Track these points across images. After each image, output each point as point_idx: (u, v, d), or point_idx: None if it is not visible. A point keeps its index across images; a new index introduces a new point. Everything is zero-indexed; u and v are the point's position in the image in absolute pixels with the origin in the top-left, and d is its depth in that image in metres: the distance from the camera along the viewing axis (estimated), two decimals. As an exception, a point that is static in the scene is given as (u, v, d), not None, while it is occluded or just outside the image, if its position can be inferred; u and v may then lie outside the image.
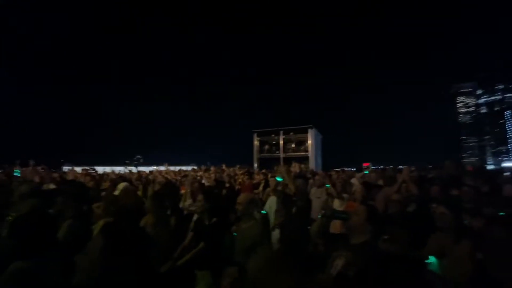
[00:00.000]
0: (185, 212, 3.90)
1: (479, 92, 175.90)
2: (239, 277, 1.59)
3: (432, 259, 1.98)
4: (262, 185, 5.56)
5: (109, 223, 2.08)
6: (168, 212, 3.22)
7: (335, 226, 2.95)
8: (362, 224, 1.71)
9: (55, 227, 1.68)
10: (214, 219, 3.02)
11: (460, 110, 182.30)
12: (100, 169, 11.18)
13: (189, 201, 3.98)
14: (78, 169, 8.52)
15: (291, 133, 12.73)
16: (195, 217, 3.27)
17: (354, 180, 5.28)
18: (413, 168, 6.52)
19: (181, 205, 4.07)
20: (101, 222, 2.25)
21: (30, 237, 1.44)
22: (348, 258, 1.57)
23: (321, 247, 2.39)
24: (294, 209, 3.42)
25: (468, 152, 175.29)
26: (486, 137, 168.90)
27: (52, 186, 4.66)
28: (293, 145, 12.94)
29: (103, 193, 3.98)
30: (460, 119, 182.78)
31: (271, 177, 4.81)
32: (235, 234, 2.54)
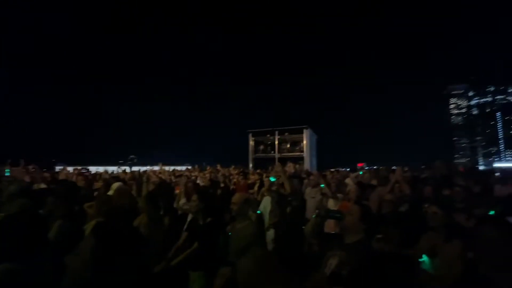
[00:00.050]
0: (180, 212, 3.87)
1: (471, 94, 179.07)
2: (231, 277, 1.58)
3: (424, 258, 2.00)
4: (257, 185, 5.56)
5: (101, 223, 2.05)
6: (162, 212, 3.19)
7: (329, 226, 2.96)
8: (356, 224, 1.72)
9: (45, 227, 1.65)
10: (209, 219, 3.01)
11: (452, 112, 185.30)
12: (93, 169, 11.04)
13: (183, 201, 3.96)
14: (70, 169, 8.39)
15: (286, 134, 12.75)
16: (189, 217, 3.25)
17: (348, 180, 5.31)
18: (406, 169, 6.60)
19: (175, 205, 4.05)
20: (92, 222, 2.22)
21: (19, 238, 1.41)
22: (342, 258, 1.57)
23: (315, 246, 2.39)
24: (288, 209, 3.43)
25: (460, 152, 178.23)
26: (478, 138, 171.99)
27: (42, 186, 4.58)
28: (288, 145, 12.98)
29: (95, 193, 3.92)
30: (452, 120, 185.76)
31: (266, 177, 4.82)
32: (230, 234, 2.54)
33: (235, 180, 6.61)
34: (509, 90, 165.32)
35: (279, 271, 1.12)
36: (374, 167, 9.52)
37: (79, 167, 9.15)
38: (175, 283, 2.61)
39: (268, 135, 13.05)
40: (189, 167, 10.71)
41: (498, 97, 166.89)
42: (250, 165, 12.98)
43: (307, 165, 11.61)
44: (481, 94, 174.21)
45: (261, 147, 13.50)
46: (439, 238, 2.08)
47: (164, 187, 4.50)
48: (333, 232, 2.68)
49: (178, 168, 11.55)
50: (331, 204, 3.90)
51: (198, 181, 5.64)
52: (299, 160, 11.84)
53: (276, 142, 12.83)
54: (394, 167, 5.82)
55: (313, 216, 1.95)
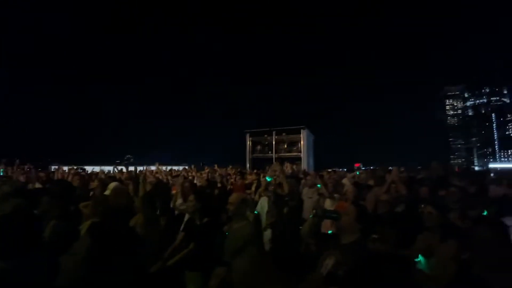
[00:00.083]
0: (176, 212, 3.86)
1: (466, 95, 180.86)
2: (227, 277, 1.58)
3: (420, 258, 2.01)
4: (254, 185, 5.56)
5: (96, 223, 2.04)
6: (158, 212, 3.18)
7: (326, 226, 2.97)
8: (352, 224, 1.72)
9: (40, 227, 1.63)
10: (206, 219, 3.00)
11: (448, 113, 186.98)
12: (89, 169, 10.95)
13: (179, 201, 3.94)
14: (66, 168, 8.31)
15: (284, 134, 12.78)
16: (186, 217, 3.23)
17: (345, 181, 5.33)
18: (402, 169, 6.63)
19: (172, 205, 4.03)
20: (88, 222, 2.20)
21: (13, 238, 1.40)
22: (338, 258, 1.58)
23: (312, 247, 2.40)
24: (285, 209, 3.43)
25: (455, 153, 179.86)
26: (473, 139, 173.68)
27: (37, 185, 4.54)
28: (286, 146, 13.00)
29: (91, 193, 3.89)
30: (448, 121, 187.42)
31: (264, 177, 4.82)
32: (227, 234, 2.53)
33: (232, 180, 6.60)
34: (504, 92, 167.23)
35: (275, 271, 1.12)
36: (371, 168, 9.57)
37: (75, 167, 9.07)
38: (172, 283, 2.60)
39: (266, 135, 13.06)
40: (186, 167, 10.67)
41: (493, 98, 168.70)
42: (248, 165, 12.98)
43: (304, 165, 11.64)
44: (477, 95, 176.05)
45: (259, 147, 13.50)
46: (434, 238, 2.10)
47: (161, 187, 4.47)
48: (329, 232, 2.69)
49: (175, 168, 11.50)
50: (328, 204, 3.91)
51: (195, 181, 5.62)
52: (297, 160, 11.85)
53: (274, 142, 12.85)
54: (390, 168, 5.84)
55: (310, 216, 1.95)
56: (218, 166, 9.04)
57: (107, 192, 2.91)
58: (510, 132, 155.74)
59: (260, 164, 11.61)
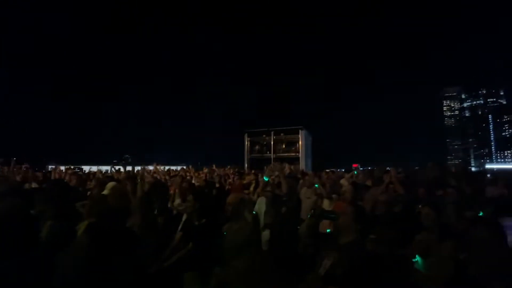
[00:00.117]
0: (174, 212, 3.85)
1: (463, 96, 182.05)
2: (224, 278, 1.57)
3: (417, 258, 2.02)
4: (253, 185, 5.56)
5: (93, 223, 2.02)
6: (156, 212, 3.17)
7: (324, 226, 2.97)
8: (350, 224, 1.73)
9: (36, 227, 1.62)
10: (204, 220, 2.99)
11: (445, 114, 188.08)
12: (87, 168, 10.90)
13: (178, 201, 3.93)
14: (63, 168, 8.26)
15: (282, 134, 12.80)
16: (184, 217, 3.22)
17: (343, 181, 5.34)
18: (400, 169, 6.66)
19: (169, 205, 4.02)
20: (85, 222, 2.19)
21: (9, 238, 1.39)
22: (336, 258, 1.58)
23: (310, 247, 2.40)
24: (283, 210, 3.43)
25: (452, 154, 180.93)
26: (470, 140, 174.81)
27: (34, 185, 4.51)
28: (284, 146, 13.02)
29: (88, 193, 3.87)
30: (445, 122, 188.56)
31: (262, 177, 4.82)
32: (225, 233, 2.53)
33: (230, 180, 6.59)
34: (501, 93, 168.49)
35: (273, 271, 1.12)
36: (369, 168, 9.59)
37: (72, 167, 9.02)
38: (170, 283, 2.59)
39: (264, 136, 13.07)
40: (184, 167, 10.65)
41: (490, 100, 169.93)
42: (246, 165, 12.98)
43: (302, 165, 11.65)
44: (474, 96, 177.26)
45: (257, 147, 13.50)
46: (432, 238, 2.11)
47: (159, 187, 4.46)
48: (327, 232, 2.70)
49: (173, 168, 11.47)
50: (326, 204, 3.91)
51: (193, 181, 5.61)
52: (295, 160, 11.87)
53: (272, 143, 12.86)
54: (388, 168, 5.87)
55: (308, 216, 1.95)
56: (216, 166, 9.04)
57: (105, 192, 2.89)
58: (506, 133, 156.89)
59: (258, 164, 11.62)
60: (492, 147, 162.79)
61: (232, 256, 1.99)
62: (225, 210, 2.54)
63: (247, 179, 6.57)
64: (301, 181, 5.27)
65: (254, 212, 3.76)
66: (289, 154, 12.51)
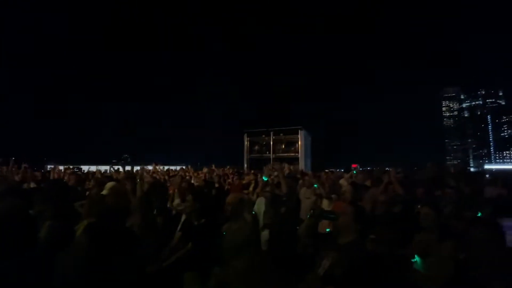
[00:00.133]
0: (173, 212, 3.84)
1: (462, 97, 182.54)
2: (224, 278, 1.57)
3: (416, 258, 2.02)
4: (252, 185, 5.55)
5: (92, 223, 2.02)
6: (155, 212, 3.16)
7: (324, 226, 2.97)
8: (349, 224, 1.72)
9: (35, 227, 1.61)
10: (203, 220, 2.99)
11: (444, 114, 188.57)
12: (86, 168, 10.86)
13: (177, 201, 3.93)
14: (62, 168, 8.24)
15: (281, 134, 12.80)
16: (183, 217, 3.22)
17: (342, 181, 5.34)
18: (399, 170, 6.68)
19: (168, 205, 4.01)
20: (84, 222, 2.18)
21: (8, 238, 1.38)
22: (335, 258, 1.58)
23: (309, 247, 2.40)
24: (283, 210, 3.43)
25: (451, 154, 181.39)
26: (469, 140, 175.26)
27: (33, 185, 4.49)
28: (283, 146, 13.02)
29: (87, 193, 3.86)
30: (444, 123, 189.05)
31: (261, 177, 4.81)
32: (224, 233, 2.52)
33: (229, 180, 6.59)
34: (500, 94, 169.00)
35: (272, 271, 1.12)
36: (368, 168, 9.61)
37: (71, 166, 9.00)
38: (169, 283, 2.58)
39: (263, 136, 13.08)
40: (184, 167, 10.64)
41: (489, 100, 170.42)
42: (245, 165, 12.98)
43: (301, 166, 11.66)
44: (472, 97, 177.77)
45: (256, 147, 13.51)
46: (431, 238, 2.11)
47: (158, 187, 4.45)
48: (326, 232, 2.70)
49: (172, 168, 11.46)
50: (325, 204, 3.91)
51: (192, 181, 5.61)
52: (294, 160, 11.88)
53: (271, 143, 12.86)
54: (387, 169, 5.88)
55: (308, 216, 1.95)
56: (215, 166, 9.03)
57: (104, 192, 2.89)
58: (505, 133, 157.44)
59: (258, 165, 11.62)
60: (491, 148, 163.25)
61: (231, 256, 1.99)
62: (224, 210, 2.54)
63: (246, 179, 6.57)
64: (300, 181, 5.27)
65: (253, 212, 3.76)
66: (288, 154, 12.52)
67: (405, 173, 6.55)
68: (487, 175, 7.41)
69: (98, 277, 1.59)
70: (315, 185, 4.48)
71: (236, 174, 7.59)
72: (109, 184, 3.07)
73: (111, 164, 9.83)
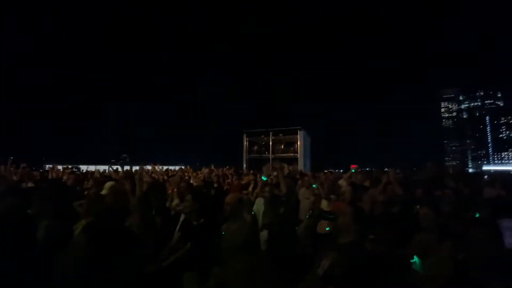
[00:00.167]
0: (172, 212, 3.83)
1: (461, 98, 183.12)
2: (223, 278, 1.57)
3: (415, 259, 2.02)
4: (251, 185, 5.55)
5: (91, 222, 2.01)
6: (154, 212, 3.15)
7: (323, 226, 2.97)
8: (349, 225, 1.73)
9: (33, 226, 1.61)
10: (202, 220, 2.98)
11: (443, 115, 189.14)
12: (84, 168, 10.85)
13: (176, 201, 3.92)
14: (61, 167, 8.22)
15: (281, 134, 12.81)
16: (182, 217, 3.22)
17: (341, 181, 5.35)
18: (398, 170, 6.69)
19: (167, 205, 4.00)
20: (83, 222, 2.17)
21: (7, 238, 1.38)
22: (335, 258, 1.58)
23: (308, 247, 2.40)
24: (282, 210, 3.43)
25: (450, 155, 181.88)
26: (467, 141, 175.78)
27: (31, 184, 4.48)
28: (282, 146, 13.02)
29: (86, 192, 3.85)
30: (443, 124, 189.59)
31: (260, 177, 4.81)
32: (223, 233, 2.52)
33: (228, 180, 6.59)
34: (498, 95, 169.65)
35: (272, 272, 1.12)
36: (367, 169, 9.63)
37: (70, 166, 8.98)
38: (168, 283, 2.58)
39: (263, 136, 13.09)
40: (182, 167, 10.63)
41: (488, 101, 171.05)
42: (244, 166, 12.97)
43: (301, 166, 11.67)
44: (471, 98, 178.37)
45: (255, 147, 13.51)
46: (430, 239, 2.11)
47: (157, 187, 4.45)
48: (326, 232, 2.70)
49: (172, 167, 11.45)
50: (324, 205, 3.91)
51: (191, 181, 5.60)
52: (293, 161, 11.88)
53: (271, 143, 12.87)
54: (386, 169, 5.88)
55: (307, 216, 1.95)
56: (214, 166, 9.02)
57: (103, 192, 2.88)
58: (503, 134, 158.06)
59: (257, 165, 11.62)
60: (490, 149, 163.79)
61: (230, 256, 1.98)
62: (223, 210, 2.53)
63: (245, 179, 6.57)
64: (299, 181, 5.27)
65: (252, 213, 3.76)
66: (287, 154, 12.52)
67: (404, 174, 6.56)
68: (486, 176, 7.42)
69: (97, 277, 1.58)
70: (314, 186, 4.48)
71: (235, 174, 7.58)
72: (108, 184, 3.07)
73: (109, 163, 9.80)
